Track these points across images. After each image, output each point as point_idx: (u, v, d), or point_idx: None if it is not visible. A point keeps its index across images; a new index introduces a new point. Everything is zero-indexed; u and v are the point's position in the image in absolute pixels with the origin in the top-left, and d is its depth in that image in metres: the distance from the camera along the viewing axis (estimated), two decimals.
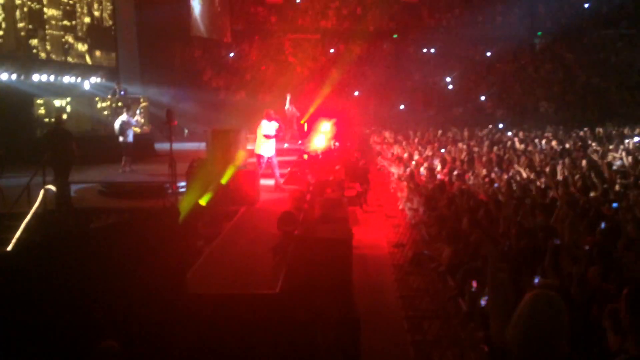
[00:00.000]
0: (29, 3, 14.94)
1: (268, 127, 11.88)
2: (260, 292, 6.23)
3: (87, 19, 18.10)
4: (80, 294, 4.66)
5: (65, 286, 4.57)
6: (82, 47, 17.84)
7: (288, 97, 18.44)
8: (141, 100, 18.59)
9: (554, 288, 4.39)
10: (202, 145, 13.07)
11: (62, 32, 16.76)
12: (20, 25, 14.78)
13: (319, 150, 15.49)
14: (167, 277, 5.78)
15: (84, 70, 17.74)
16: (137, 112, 16.99)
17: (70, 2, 17.11)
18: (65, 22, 16.88)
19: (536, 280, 5.23)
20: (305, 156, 14.73)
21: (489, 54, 28.45)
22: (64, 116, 11.36)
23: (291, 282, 6.56)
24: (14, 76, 14.48)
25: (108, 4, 19.32)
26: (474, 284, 5.44)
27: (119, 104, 16.92)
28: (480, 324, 5.17)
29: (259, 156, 11.94)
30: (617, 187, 10.07)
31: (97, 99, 16.77)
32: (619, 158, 13.92)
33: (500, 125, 23.60)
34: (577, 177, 10.82)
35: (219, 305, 6.02)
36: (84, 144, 13.77)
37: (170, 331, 5.31)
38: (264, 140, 11.81)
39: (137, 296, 5.27)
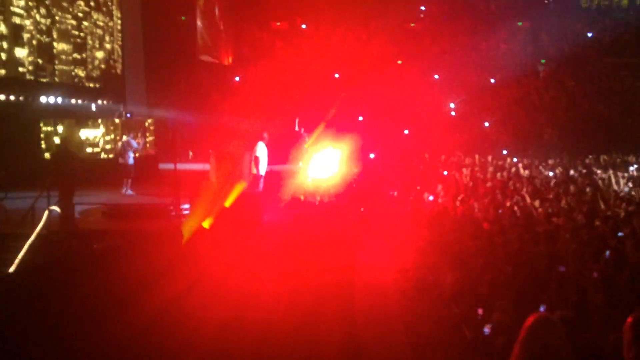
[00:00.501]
0: (38, 35, 15.17)
1: (263, 149, 12.75)
2: (263, 315, 6.19)
3: (95, 43, 18.36)
4: (82, 315, 4.64)
5: (67, 307, 4.56)
6: (88, 70, 18.07)
7: (297, 121, 18.42)
8: (146, 122, 18.73)
9: (559, 316, 4.35)
10: (207, 167, 13.11)
11: (70, 58, 16.99)
12: (29, 51, 15.00)
13: (322, 179, 15.24)
14: (169, 299, 5.75)
15: (90, 92, 17.92)
16: (139, 134, 17.10)
17: (81, 29, 17.38)
18: (75, 51, 17.13)
19: (542, 310, 5.17)
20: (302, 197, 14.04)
21: (492, 80, 28.64)
22: (69, 138, 11.45)
23: (294, 306, 6.51)
24: (21, 98, 14.63)
25: (118, 26, 19.62)
26: (480, 311, 5.39)
27: (124, 126, 17.07)
28: (484, 352, 5.11)
29: (258, 176, 12.48)
30: (621, 215, 10.03)
31: (103, 121, 16.90)
32: (623, 185, 13.91)
33: (504, 152, 23.60)
34: (581, 204, 10.79)
35: (221, 328, 5.97)
36: (89, 166, 13.90)
37: (172, 354, 5.26)
38: (260, 161, 12.55)
39: (139, 318, 5.24)
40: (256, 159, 12.45)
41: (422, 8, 31.10)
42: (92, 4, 17.89)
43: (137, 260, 5.50)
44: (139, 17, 21.90)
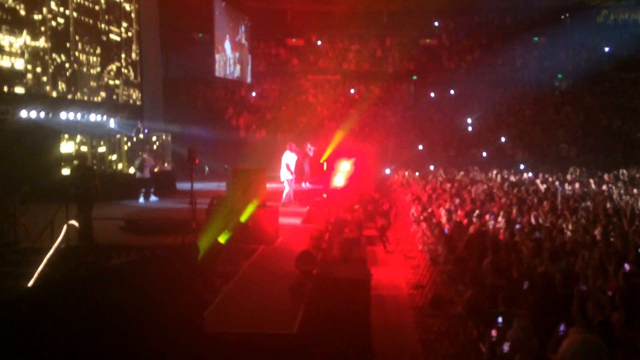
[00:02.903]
0: (54, 54, 15.52)
1: (290, 157, 14.54)
2: (277, 331, 6.19)
3: (115, 62, 18.72)
4: (99, 330, 4.68)
5: (84, 323, 4.60)
6: (109, 86, 18.40)
7: (308, 145, 18.34)
8: (163, 137, 18.96)
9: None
10: (222, 185, 13.24)
11: (91, 73, 17.33)
12: (50, 70, 15.34)
13: (338, 188, 15.57)
14: (185, 315, 5.78)
15: (109, 108, 18.23)
16: (154, 151, 17.39)
17: (100, 45, 17.74)
18: (95, 65, 17.48)
19: (562, 328, 5.08)
20: (325, 195, 14.86)
21: (509, 95, 28.56)
22: (87, 154, 11.64)
23: (309, 322, 6.50)
24: (42, 114, 14.93)
25: (135, 46, 19.99)
26: (494, 332, 5.33)
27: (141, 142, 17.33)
28: None
29: (288, 181, 14.46)
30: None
31: (121, 136, 17.16)
32: None
33: (522, 167, 23.44)
34: (599, 221, 10.67)
35: (236, 345, 5.98)
36: (107, 180, 14.10)
37: None
38: (285, 169, 14.41)
39: (155, 334, 5.27)
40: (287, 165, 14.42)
41: (436, 24, 31.21)
42: (111, 18, 18.28)
43: (153, 274, 5.54)
44: (157, 33, 22.32)
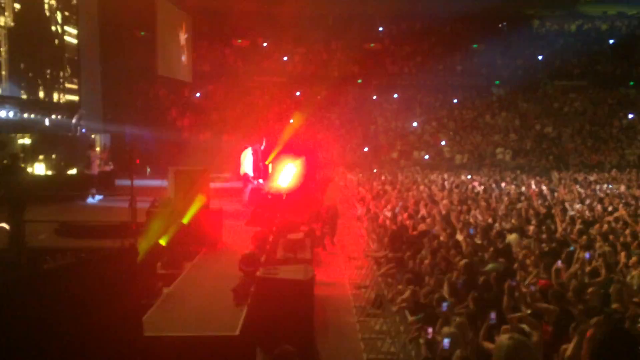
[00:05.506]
0: None
1: (247, 156, 15.40)
2: (219, 334, 6.11)
3: (50, 56, 17.94)
4: (27, 338, 4.47)
5: (13, 330, 4.39)
6: (43, 83, 17.62)
7: (264, 140, 18.38)
8: (102, 137, 18.39)
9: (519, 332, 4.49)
10: (165, 183, 12.96)
11: (23, 68, 16.55)
12: None
13: (282, 190, 15.51)
14: (123, 319, 5.61)
15: (44, 107, 17.47)
16: (96, 149, 16.89)
17: (37, 41, 16.97)
18: (28, 58, 16.70)
19: (492, 316, 5.32)
20: (269, 196, 14.81)
21: (449, 100, 29.43)
22: (18, 153, 11.13)
23: (251, 324, 6.46)
24: None
25: (74, 40, 19.25)
26: (430, 330, 5.49)
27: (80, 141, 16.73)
28: None
29: (245, 175, 15.30)
30: (575, 231, 10.38)
31: (57, 136, 16.49)
32: (575, 203, 14.45)
33: (461, 169, 24.20)
34: (533, 222, 11.15)
35: (176, 348, 5.86)
36: (42, 181, 13.53)
37: None
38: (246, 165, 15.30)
39: (92, 340, 5.08)
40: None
41: (380, 29, 31.78)
42: (47, 15, 17.52)
43: (88, 279, 5.34)
44: (97, 31, 21.57)
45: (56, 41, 18.16)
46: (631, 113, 28.64)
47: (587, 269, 7.42)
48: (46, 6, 17.51)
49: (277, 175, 17.31)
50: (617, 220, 11.33)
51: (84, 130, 17.69)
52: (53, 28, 17.85)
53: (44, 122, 17.50)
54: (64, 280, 5.22)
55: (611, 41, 31.45)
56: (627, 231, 10.06)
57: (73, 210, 13.18)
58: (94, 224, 11.52)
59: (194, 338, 6.05)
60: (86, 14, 20.48)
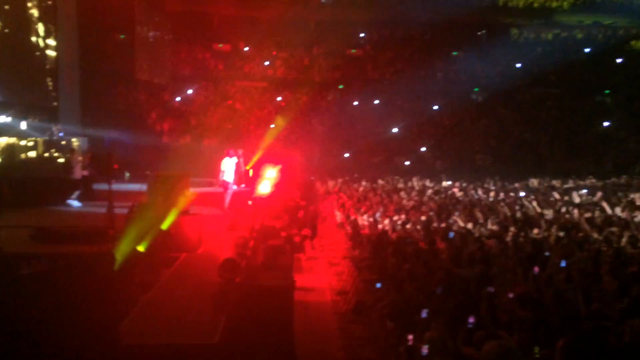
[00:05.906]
0: None
1: (228, 162, 15.01)
2: (198, 342, 6.06)
3: (27, 59, 17.65)
4: (4, 345, 4.39)
5: None
6: (19, 85, 17.31)
7: (240, 152, 18.41)
8: (79, 141, 18.09)
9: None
10: (143, 187, 12.82)
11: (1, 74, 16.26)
12: None
13: (263, 196, 15.53)
14: (100, 326, 5.53)
15: (20, 109, 17.16)
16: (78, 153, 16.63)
17: (14, 43, 16.68)
18: (4, 65, 16.39)
19: (471, 320, 5.36)
20: (250, 202, 14.81)
21: (429, 106, 29.66)
22: None
23: (231, 331, 6.41)
24: None
25: (52, 42, 18.97)
26: (410, 337, 5.51)
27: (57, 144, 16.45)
28: None
29: (224, 182, 14.83)
30: (552, 237, 10.52)
31: (33, 139, 16.19)
32: (552, 208, 14.66)
33: (441, 176, 24.37)
34: (512, 228, 11.28)
35: (154, 357, 5.79)
36: (18, 186, 13.26)
37: None
38: (225, 172, 14.90)
39: (68, 347, 5.01)
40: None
41: (362, 35, 31.95)
42: (26, 16, 17.25)
43: (65, 286, 5.26)
44: (76, 34, 21.28)
45: (37, 52, 17.92)
46: (606, 121, 29.17)
47: (562, 276, 7.53)
48: (27, 16, 17.28)
49: (257, 180, 17.30)
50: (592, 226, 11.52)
51: (61, 134, 17.38)
52: (33, 39, 17.59)
53: (19, 125, 17.19)
54: (40, 287, 5.13)
55: (587, 50, 32.03)
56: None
57: (50, 215, 12.95)
58: (70, 229, 11.32)
59: (173, 346, 5.99)
60: (65, 17, 20.20)
